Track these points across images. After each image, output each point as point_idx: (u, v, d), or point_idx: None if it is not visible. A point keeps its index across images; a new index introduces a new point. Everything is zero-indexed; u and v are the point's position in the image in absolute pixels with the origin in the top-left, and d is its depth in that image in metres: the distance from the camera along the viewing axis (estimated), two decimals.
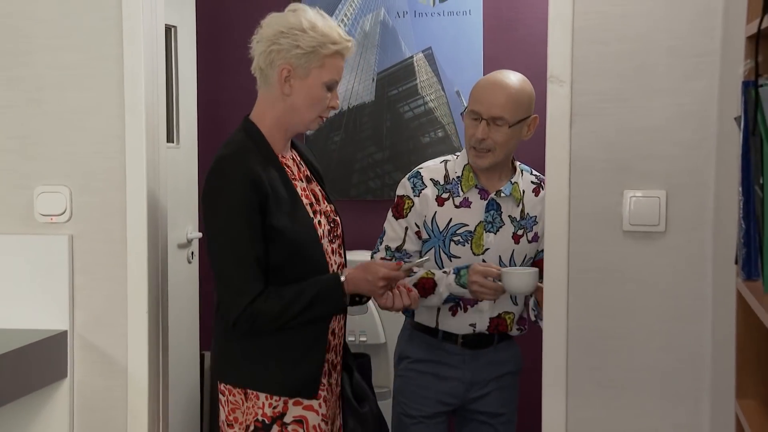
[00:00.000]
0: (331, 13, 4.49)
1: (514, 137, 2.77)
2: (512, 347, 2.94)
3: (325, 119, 2.53)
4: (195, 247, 4.46)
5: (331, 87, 2.45)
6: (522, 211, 2.84)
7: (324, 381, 2.50)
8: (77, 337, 2.67)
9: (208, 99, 4.57)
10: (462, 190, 2.84)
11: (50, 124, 2.66)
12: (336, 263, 2.56)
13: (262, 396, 2.43)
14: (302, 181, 2.53)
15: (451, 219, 2.83)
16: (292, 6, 2.46)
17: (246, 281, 2.36)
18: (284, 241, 2.40)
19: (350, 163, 4.50)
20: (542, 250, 2.77)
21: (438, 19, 4.43)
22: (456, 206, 2.83)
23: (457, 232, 2.82)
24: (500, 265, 2.78)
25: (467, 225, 2.82)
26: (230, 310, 2.38)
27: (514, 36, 4.30)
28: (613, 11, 2.41)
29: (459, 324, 2.85)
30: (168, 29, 4.30)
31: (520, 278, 2.62)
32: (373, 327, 4.15)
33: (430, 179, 2.88)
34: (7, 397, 2.47)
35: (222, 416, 2.52)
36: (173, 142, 4.35)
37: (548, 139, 2.44)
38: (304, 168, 2.58)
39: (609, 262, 2.44)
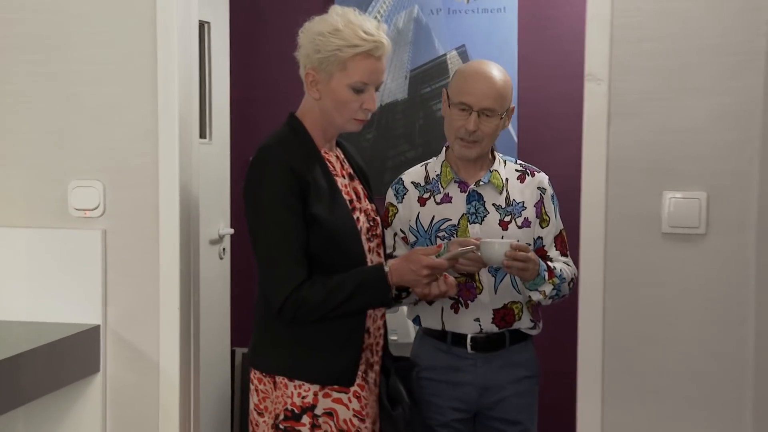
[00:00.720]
0: (364, 10, 4.46)
1: (499, 128, 2.78)
2: (527, 350, 2.86)
3: (364, 121, 2.50)
4: (227, 243, 4.46)
5: (359, 89, 2.42)
6: (507, 197, 2.81)
7: (359, 375, 2.49)
8: (110, 332, 2.67)
9: (241, 95, 4.57)
10: (441, 187, 2.83)
11: (85, 119, 2.66)
12: (374, 263, 2.56)
13: (291, 385, 2.43)
14: (344, 178, 2.54)
15: (433, 216, 2.81)
16: (331, 8, 2.47)
17: (291, 267, 2.37)
18: (322, 231, 2.40)
19: (382, 161, 4.48)
20: (540, 238, 2.77)
21: (472, 16, 4.39)
22: (437, 203, 2.82)
23: (441, 228, 2.80)
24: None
25: (450, 219, 2.80)
26: (275, 297, 2.38)
27: (550, 34, 4.25)
28: (652, 8, 2.37)
29: (464, 322, 2.80)
30: (201, 25, 4.30)
31: (499, 247, 2.56)
32: (403, 326, 4.12)
33: (411, 182, 2.88)
34: (41, 390, 2.48)
35: (252, 404, 2.53)
36: (206, 138, 4.35)
37: (585, 139, 2.40)
38: (347, 166, 2.60)
39: (647, 265, 2.40)
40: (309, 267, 2.41)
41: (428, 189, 2.83)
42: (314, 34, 2.42)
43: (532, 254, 2.62)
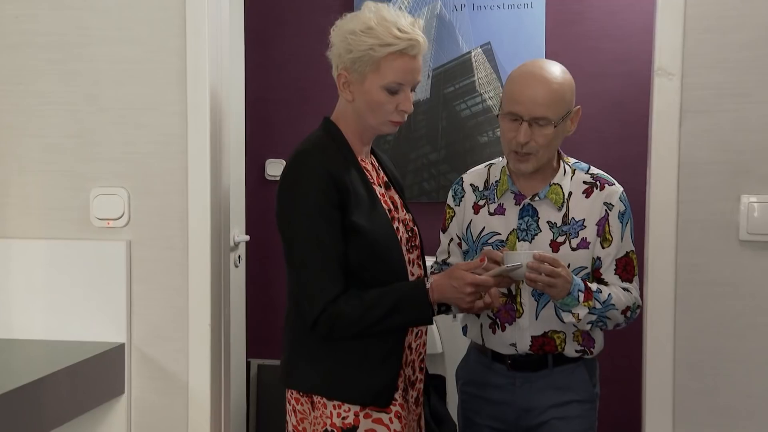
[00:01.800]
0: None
1: (559, 136, 2.53)
2: (578, 372, 2.63)
3: (400, 123, 2.37)
4: (242, 250, 4.30)
5: (393, 90, 2.30)
6: (566, 215, 2.57)
7: (396, 395, 2.35)
8: (135, 351, 2.50)
9: (257, 97, 4.41)
10: (497, 196, 2.63)
11: (108, 122, 2.49)
12: (414, 275, 2.44)
13: (330, 405, 2.31)
14: (380, 187, 2.43)
15: (483, 228, 2.62)
16: (364, 4, 2.34)
17: (326, 280, 2.24)
18: (363, 241, 2.28)
19: (404, 164, 4.32)
20: (598, 258, 2.52)
21: (498, 12, 4.23)
22: (490, 213, 2.62)
23: (489, 241, 2.60)
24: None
25: (499, 234, 2.60)
26: (309, 311, 2.26)
27: (579, 30, 4.10)
28: None
29: (501, 343, 2.63)
30: None
31: (525, 259, 2.37)
32: (429, 336, 3.95)
33: (470, 184, 2.69)
34: (63, 418, 2.30)
35: (290, 426, 2.41)
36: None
37: (653, 138, 2.23)
38: (382, 174, 2.49)
39: (723, 275, 2.23)
40: (346, 280, 2.28)
41: (485, 196, 2.64)
42: (346, 33, 2.30)
43: (562, 270, 2.41)
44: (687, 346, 2.24)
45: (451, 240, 2.72)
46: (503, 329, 2.60)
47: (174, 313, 2.48)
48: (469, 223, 2.64)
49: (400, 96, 2.31)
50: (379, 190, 2.40)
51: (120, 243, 2.47)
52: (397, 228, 2.38)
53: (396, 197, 2.48)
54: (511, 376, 2.63)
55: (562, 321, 2.52)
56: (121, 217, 2.47)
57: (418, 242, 2.49)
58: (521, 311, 2.58)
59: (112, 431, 2.49)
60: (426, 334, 2.53)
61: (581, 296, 2.45)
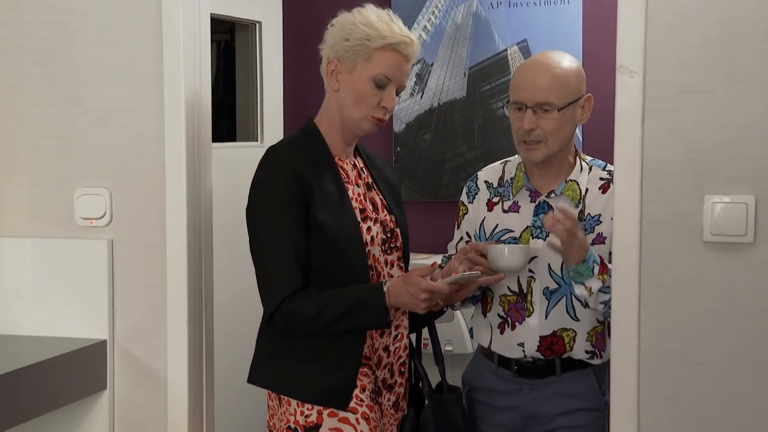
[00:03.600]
0: (422, 4, 4.30)
1: (568, 123, 2.49)
2: (586, 379, 2.59)
3: (381, 121, 2.40)
4: None
5: (380, 84, 2.35)
6: (582, 211, 2.53)
7: (363, 396, 2.35)
8: (117, 347, 2.55)
9: (295, 96, 4.46)
10: (512, 193, 2.58)
11: (90, 123, 2.54)
12: (392, 276, 2.45)
13: (294, 402, 2.34)
14: (358, 187, 2.44)
15: (497, 225, 2.58)
16: (368, 5, 2.43)
17: (285, 275, 2.29)
18: (325, 238, 2.31)
19: (440, 163, 4.31)
20: (610, 253, 2.47)
21: (534, 9, 4.19)
22: (504, 210, 2.58)
23: (501, 239, 2.55)
24: (549, 275, 2.51)
25: (512, 231, 2.55)
26: (266, 305, 2.32)
27: (616, 27, 3.99)
28: None
29: (509, 344, 2.58)
30: (252, 25, 4.21)
31: (502, 252, 2.37)
32: (459, 335, 3.92)
33: (485, 181, 2.66)
34: (44, 407, 2.37)
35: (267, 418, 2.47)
36: (257, 140, 4.25)
37: (617, 137, 2.16)
38: (365, 175, 2.49)
39: (687, 277, 2.14)
40: (306, 276, 2.31)
41: (499, 193, 2.61)
42: (346, 23, 2.38)
43: (581, 232, 2.37)
44: (651, 350, 2.16)
45: (461, 238, 2.70)
46: (513, 328, 2.56)
47: (154, 311, 2.51)
48: (482, 220, 2.61)
49: (385, 92, 2.35)
50: (355, 190, 2.42)
51: (102, 242, 2.52)
52: (369, 228, 2.39)
53: (378, 198, 2.48)
54: (518, 382, 2.59)
55: (575, 296, 2.47)
56: (103, 216, 2.52)
57: (399, 243, 2.49)
58: (531, 310, 2.54)
59: (95, 426, 2.53)
60: (407, 337, 2.52)
61: (596, 268, 2.41)
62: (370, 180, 2.50)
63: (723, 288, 2.12)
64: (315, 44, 4.51)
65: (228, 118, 4.33)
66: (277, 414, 2.40)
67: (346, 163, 2.45)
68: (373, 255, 2.39)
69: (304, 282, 2.30)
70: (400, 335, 2.49)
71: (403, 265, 2.51)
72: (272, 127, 4.30)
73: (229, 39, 4.38)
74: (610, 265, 2.40)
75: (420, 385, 2.57)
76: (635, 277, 2.16)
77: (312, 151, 2.39)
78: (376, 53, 2.34)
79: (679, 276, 2.14)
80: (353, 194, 2.40)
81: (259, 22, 4.23)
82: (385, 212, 2.48)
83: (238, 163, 3.99)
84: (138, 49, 2.49)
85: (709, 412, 2.15)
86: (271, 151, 2.38)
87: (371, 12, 2.38)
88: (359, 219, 2.38)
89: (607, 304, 2.44)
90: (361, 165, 2.51)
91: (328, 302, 2.28)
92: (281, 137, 4.36)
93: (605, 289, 2.42)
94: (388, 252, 2.45)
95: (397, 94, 2.41)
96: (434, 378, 2.57)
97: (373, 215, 2.43)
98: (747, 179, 2.10)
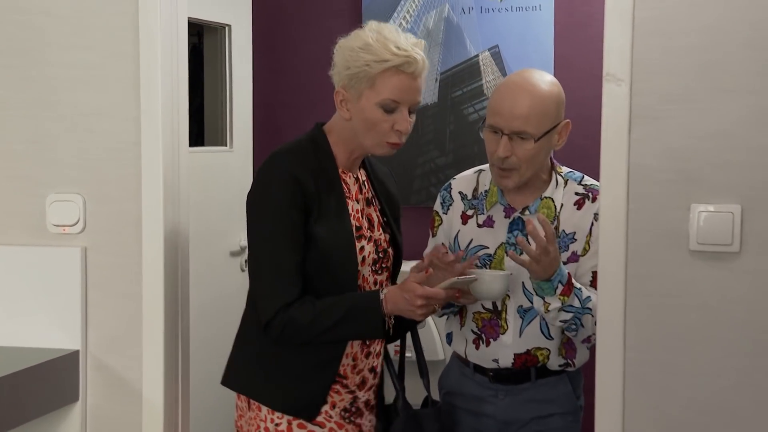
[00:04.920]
0: (392, 9, 4.27)
1: (542, 150, 2.45)
2: (561, 385, 2.58)
3: (397, 145, 2.31)
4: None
5: (388, 109, 2.25)
6: (556, 228, 2.50)
7: (332, 413, 2.34)
8: (90, 358, 2.49)
9: (265, 101, 4.41)
10: (486, 208, 2.55)
11: (64, 128, 2.49)
12: None
13: (264, 409, 2.32)
14: (357, 203, 2.38)
15: (471, 240, 2.55)
16: (367, 23, 2.33)
17: (282, 284, 2.24)
18: (317, 252, 2.27)
19: (411, 168, 4.28)
20: (592, 271, 2.47)
21: (506, 15, 4.17)
22: (479, 225, 2.55)
23: (476, 254, 2.53)
24: (523, 293, 2.49)
25: (487, 247, 2.52)
26: (263, 314, 2.26)
27: (588, 33, 4.00)
28: (680, 0, 2.11)
29: (483, 358, 2.57)
30: (221, 28, 4.16)
31: (490, 280, 2.35)
32: (430, 342, 3.89)
33: (459, 192, 2.62)
34: (15, 420, 2.30)
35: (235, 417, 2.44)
36: (226, 145, 4.20)
37: (603, 146, 2.15)
38: (366, 189, 2.43)
39: (673, 286, 2.13)
40: (304, 285, 2.27)
41: (474, 205, 2.58)
42: (345, 50, 2.29)
43: (554, 250, 2.33)
44: (636, 360, 2.15)
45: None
46: (487, 344, 2.54)
47: (129, 321, 2.46)
48: (457, 233, 2.59)
49: (397, 115, 2.26)
50: (354, 206, 2.36)
51: (75, 249, 2.46)
52: (363, 248, 2.34)
53: (375, 215, 2.42)
54: (493, 388, 2.58)
55: (530, 303, 2.46)
56: (76, 224, 2.47)
57: (390, 263, 2.44)
58: (506, 327, 2.52)
59: None
60: (379, 357, 2.46)
61: (560, 288, 2.38)
62: (370, 195, 2.44)
63: (709, 297, 2.12)
64: (284, 48, 4.49)
65: (196, 123, 4.27)
66: (245, 416, 2.37)
67: (349, 176, 2.38)
68: (363, 275, 2.35)
69: (301, 291, 2.25)
70: (374, 353, 2.45)
71: (389, 284, 2.46)
72: (241, 132, 4.25)
73: (197, 42, 4.32)
74: (578, 285, 2.40)
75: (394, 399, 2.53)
76: (621, 286, 2.15)
77: (317, 161, 2.31)
78: (379, 78, 2.23)
79: (665, 285, 2.13)
80: (351, 210, 2.34)
81: (229, 26, 4.19)
82: (380, 230, 2.42)
83: (207, 168, 3.95)
84: (114, 53, 2.44)
85: (695, 422, 2.14)
86: (275, 156, 2.30)
87: (369, 32, 2.27)
88: (354, 238, 2.32)
89: (568, 324, 2.43)
90: (364, 178, 2.44)
91: (323, 310, 2.24)
92: (251, 142, 4.32)
93: (568, 308, 2.40)
94: (378, 272, 2.40)
95: (412, 111, 2.31)
96: (413, 390, 2.54)
97: (368, 233, 2.37)
98: (733, 188, 2.10)
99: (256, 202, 2.30)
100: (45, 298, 2.48)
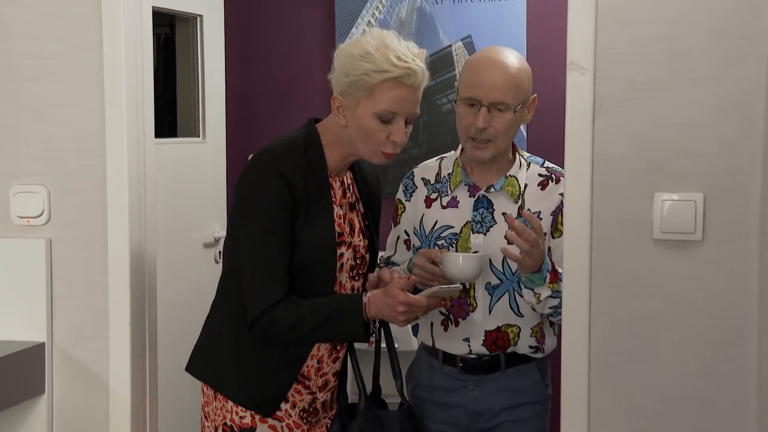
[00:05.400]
0: (365, 1, 4.25)
1: (517, 122, 2.50)
2: (530, 373, 2.60)
3: (391, 155, 2.29)
4: (222, 246, 4.28)
5: (385, 119, 2.23)
6: (521, 206, 2.53)
7: (292, 412, 2.36)
8: (56, 350, 2.48)
9: (238, 92, 4.39)
10: (450, 189, 2.56)
11: (27, 118, 2.46)
12: None
13: (230, 402, 2.32)
14: (341, 208, 2.36)
15: (436, 221, 2.56)
16: (371, 29, 2.35)
17: (269, 283, 2.23)
18: (298, 255, 2.26)
19: None
20: (548, 249, 2.49)
21: (478, 5, 4.17)
22: (443, 206, 2.57)
23: (442, 235, 2.55)
24: (491, 270, 2.50)
25: (452, 227, 2.54)
26: (249, 312, 2.24)
27: (561, 23, 3.92)
28: None
29: (453, 341, 2.57)
30: (193, 18, 4.14)
31: (456, 261, 2.35)
32: (405, 332, 3.89)
33: (422, 179, 2.65)
34: None
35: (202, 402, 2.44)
36: (199, 136, 4.18)
37: (568, 135, 2.15)
38: (350, 193, 2.41)
39: (637, 275, 2.14)
40: (290, 285, 2.25)
41: (437, 189, 2.59)
42: (345, 57, 2.25)
43: (543, 242, 2.37)
44: (602, 348, 2.16)
45: (399, 237, 2.68)
46: (456, 324, 2.54)
47: (95, 313, 2.45)
48: (422, 217, 2.59)
49: (393, 126, 2.24)
50: (338, 211, 2.34)
51: (40, 241, 2.44)
52: (342, 254, 2.33)
53: (357, 220, 2.41)
54: (463, 379, 2.58)
55: (521, 297, 2.48)
56: (41, 215, 2.45)
57: (366, 269, 2.44)
58: (475, 305, 2.53)
59: (33, 430, 2.47)
60: (338, 362, 2.46)
61: (548, 277, 2.41)
62: (353, 199, 2.42)
63: (673, 286, 2.12)
64: (257, 39, 4.47)
65: (169, 114, 4.25)
66: (211, 404, 2.37)
67: (336, 180, 2.36)
68: (340, 281, 2.35)
69: (287, 291, 2.24)
70: (338, 358, 2.45)
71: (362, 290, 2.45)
72: (214, 123, 4.23)
73: (169, 32, 4.29)
74: (560, 270, 2.40)
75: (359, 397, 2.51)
76: (586, 275, 2.15)
77: (308, 162, 2.28)
78: (377, 88, 2.21)
79: (630, 274, 2.14)
80: (335, 215, 2.33)
81: (200, 16, 4.16)
82: (360, 236, 2.41)
83: (179, 160, 3.93)
84: (77, 42, 2.41)
85: (659, 410, 2.15)
86: (267, 152, 2.27)
87: (371, 39, 2.24)
88: (335, 243, 2.31)
89: (555, 309, 2.45)
90: (349, 181, 2.42)
91: (306, 312, 2.22)
92: (223, 133, 4.30)
93: (555, 294, 2.43)
94: (355, 278, 2.40)
95: (409, 122, 2.29)
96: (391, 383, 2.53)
97: (348, 239, 2.36)
98: (695, 177, 2.10)
99: (244, 197, 2.27)
100: (10, 291, 2.46)
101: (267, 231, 2.22)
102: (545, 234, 2.49)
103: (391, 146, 2.26)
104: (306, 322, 2.22)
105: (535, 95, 2.55)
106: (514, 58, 2.50)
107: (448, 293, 2.34)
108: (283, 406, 2.33)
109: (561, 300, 2.40)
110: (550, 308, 2.47)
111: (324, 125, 2.35)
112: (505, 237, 2.44)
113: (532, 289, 2.44)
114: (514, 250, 2.39)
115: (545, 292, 2.43)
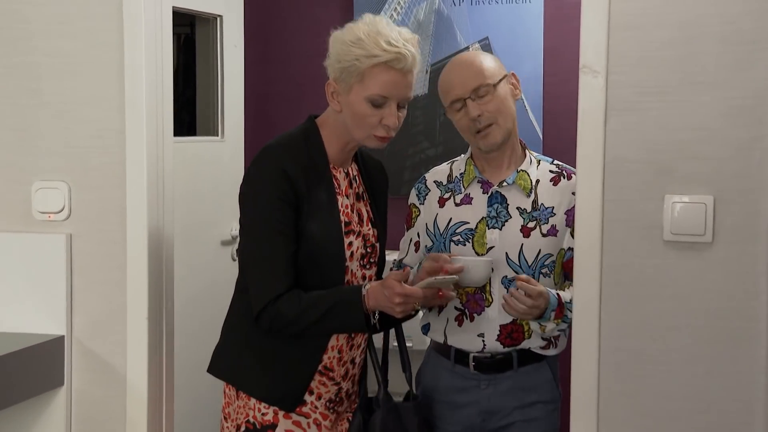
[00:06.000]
0: (384, 1, 4.29)
1: (507, 98, 2.56)
2: (542, 372, 2.62)
3: (385, 139, 2.33)
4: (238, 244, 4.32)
5: (376, 103, 2.26)
6: (535, 201, 2.57)
7: (318, 403, 2.38)
8: (75, 343, 2.52)
9: (257, 91, 4.43)
10: (463, 186, 2.60)
11: (49, 116, 2.51)
12: None
13: (253, 399, 2.34)
14: (347, 198, 2.39)
15: (450, 219, 2.60)
16: (363, 16, 2.34)
17: (273, 277, 2.27)
18: (306, 247, 2.30)
19: (401, 159, 4.30)
20: (569, 249, 2.52)
21: (496, 7, 4.19)
22: (456, 204, 2.61)
23: (457, 231, 2.58)
24: (507, 264, 2.54)
25: (468, 222, 2.58)
26: (254, 305, 2.29)
27: (577, 26, 3.97)
28: None
29: (468, 337, 2.59)
30: (213, 18, 4.18)
31: (473, 266, 2.42)
32: (418, 331, 3.92)
33: (434, 182, 2.69)
34: (1, 404, 2.34)
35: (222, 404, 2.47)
36: (217, 135, 4.22)
37: (580, 137, 2.18)
38: (357, 184, 2.44)
39: (647, 276, 2.16)
40: (294, 279, 2.29)
41: (450, 188, 2.64)
42: (338, 43, 2.30)
43: (541, 299, 2.45)
44: (611, 348, 2.19)
45: (411, 239, 2.70)
46: (472, 320, 2.57)
47: (113, 307, 2.49)
48: (435, 217, 2.62)
49: (385, 110, 2.27)
50: (344, 201, 2.37)
51: (60, 236, 2.49)
52: (351, 243, 2.36)
53: (365, 209, 2.45)
54: (475, 378, 2.60)
55: (515, 273, 2.55)
56: (61, 211, 2.49)
57: (377, 258, 2.47)
58: (491, 300, 2.56)
59: (52, 421, 2.51)
60: (359, 349, 2.48)
61: (553, 315, 2.50)
62: (360, 190, 2.46)
63: (682, 287, 2.15)
64: (276, 39, 4.51)
65: (188, 113, 4.29)
66: (232, 404, 2.40)
67: (340, 171, 2.39)
68: (351, 270, 2.38)
69: (291, 284, 2.27)
70: (363, 346, 2.48)
71: (375, 278, 2.49)
72: (233, 122, 4.27)
73: (189, 32, 4.34)
74: (568, 298, 2.47)
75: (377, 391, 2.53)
76: (596, 275, 2.18)
77: (308, 156, 2.32)
78: (368, 73, 2.24)
79: (640, 275, 2.17)
80: (341, 206, 2.36)
81: (220, 16, 4.20)
82: (369, 225, 2.44)
83: (197, 158, 3.98)
84: (98, 41, 2.46)
85: (668, 410, 2.18)
86: (267, 151, 2.31)
87: (362, 25, 2.28)
88: (343, 234, 2.34)
89: (564, 331, 2.59)
90: (355, 173, 2.46)
91: (309, 305, 2.26)
92: (242, 132, 4.34)
93: (564, 320, 2.54)
94: (366, 267, 2.43)
95: (402, 107, 2.32)
96: (398, 381, 2.56)
97: (357, 228, 2.39)
98: (706, 180, 2.13)
99: (247, 196, 2.32)
100: (30, 284, 2.50)
101: (269, 227, 2.26)
102: (558, 231, 2.54)
103: (384, 130, 2.29)
104: (308, 314, 2.26)
105: (512, 71, 2.61)
106: (473, 53, 2.66)
107: (444, 284, 2.36)
108: (308, 398, 2.36)
109: (569, 324, 2.51)
110: (558, 331, 2.58)
111: (322, 118, 2.39)
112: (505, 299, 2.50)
113: (538, 322, 2.53)
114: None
115: (550, 326, 2.54)
